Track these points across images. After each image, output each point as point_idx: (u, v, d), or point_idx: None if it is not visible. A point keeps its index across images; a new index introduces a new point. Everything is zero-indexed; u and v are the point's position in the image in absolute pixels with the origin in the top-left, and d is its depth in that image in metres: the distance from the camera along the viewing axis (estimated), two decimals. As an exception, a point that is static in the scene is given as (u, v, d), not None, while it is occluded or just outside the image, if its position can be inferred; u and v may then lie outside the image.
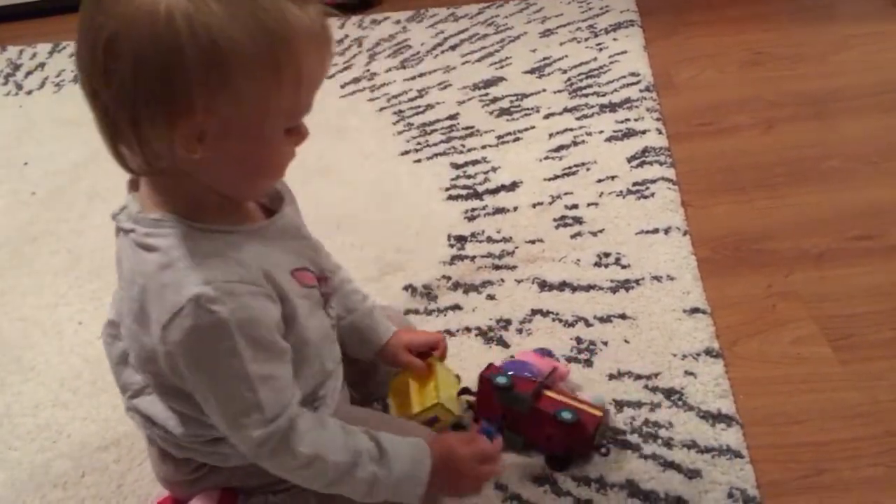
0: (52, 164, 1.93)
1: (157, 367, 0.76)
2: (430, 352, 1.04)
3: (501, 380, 0.99)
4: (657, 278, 1.27)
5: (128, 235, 0.74)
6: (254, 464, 0.82)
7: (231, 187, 0.73)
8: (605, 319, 1.21)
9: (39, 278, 1.51)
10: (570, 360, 1.14)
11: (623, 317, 1.21)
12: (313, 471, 0.79)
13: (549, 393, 0.99)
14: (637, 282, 1.27)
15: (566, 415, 0.94)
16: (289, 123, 0.71)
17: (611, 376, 1.10)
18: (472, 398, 1.04)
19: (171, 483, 0.93)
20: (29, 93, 2.38)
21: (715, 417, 1.01)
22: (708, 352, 1.11)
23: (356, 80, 2.21)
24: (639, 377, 1.09)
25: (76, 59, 0.66)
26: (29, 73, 2.52)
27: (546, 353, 1.12)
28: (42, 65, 2.57)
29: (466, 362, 1.14)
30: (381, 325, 1.02)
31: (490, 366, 1.03)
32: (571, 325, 1.21)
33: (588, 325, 1.20)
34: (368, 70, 2.27)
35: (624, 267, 1.31)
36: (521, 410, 0.97)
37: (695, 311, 1.19)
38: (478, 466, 0.86)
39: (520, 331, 1.21)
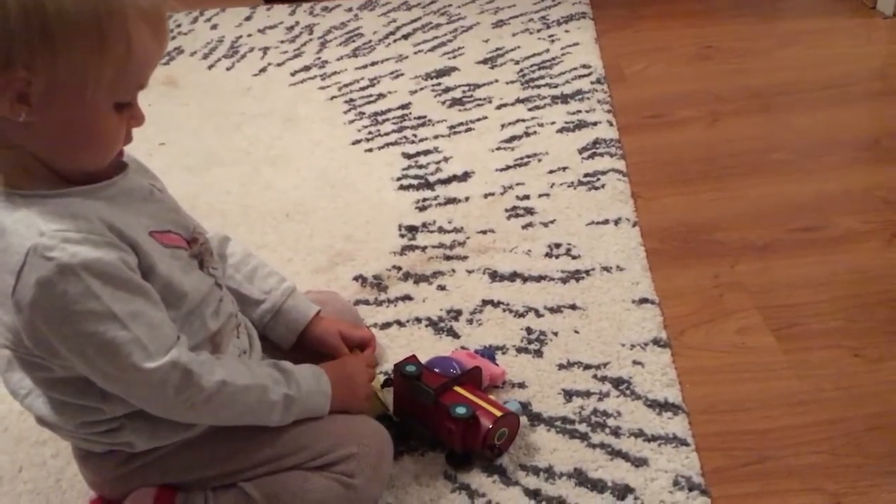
0: None
1: (26, 348, 0.75)
2: (359, 349, 1.04)
3: (410, 368, 0.98)
4: (607, 269, 1.28)
5: None
6: (189, 453, 0.80)
7: (58, 156, 0.73)
8: (555, 310, 1.21)
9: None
10: (520, 350, 1.14)
11: (573, 307, 1.21)
12: (224, 399, 0.80)
13: (459, 389, 0.98)
14: (587, 272, 1.28)
15: (460, 409, 0.93)
16: (118, 97, 0.72)
17: (560, 366, 1.11)
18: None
19: (100, 483, 0.90)
20: None
21: (662, 406, 1.02)
22: (656, 342, 1.12)
23: (307, 69, 2.18)
24: (588, 367, 1.10)
25: None
26: None
27: (488, 354, 1.11)
28: None
29: (417, 354, 1.13)
30: (302, 304, 1.02)
31: (410, 356, 1.02)
32: (522, 315, 1.21)
33: (538, 315, 1.21)
34: (319, 58, 2.24)
35: (574, 258, 1.32)
36: (425, 402, 0.96)
37: (643, 301, 1.20)
38: (366, 370, 0.98)
39: (470, 321, 1.21)
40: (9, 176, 0.73)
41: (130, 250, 0.74)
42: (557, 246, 1.35)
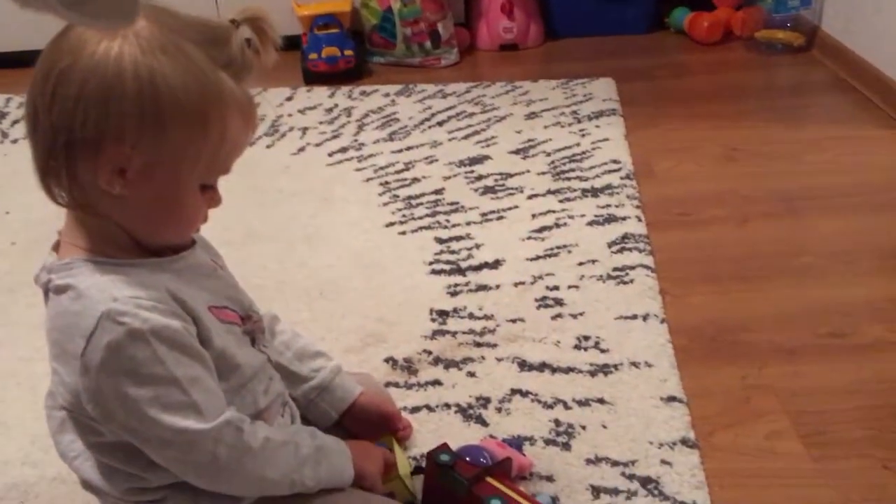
0: (33, 213, 1.92)
1: (83, 410, 0.78)
2: (394, 432, 1.07)
3: (444, 457, 0.99)
4: (635, 364, 1.29)
5: (48, 294, 0.79)
6: None
7: (142, 229, 0.78)
8: (583, 403, 1.22)
9: (15, 330, 1.49)
10: (548, 442, 1.15)
11: (601, 401, 1.22)
12: (269, 455, 0.81)
13: (491, 480, 0.98)
14: (615, 367, 1.29)
15: (495, 502, 0.93)
16: (205, 179, 0.78)
17: (588, 461, 1.11)
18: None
19: None
20: (14, 141, 2.38)
21: (690, 508, 1.02)
22: (684, 441, 1.13)
23: (344, 150, 2.25)
24: (616, 463, 1.10)
25: (30, 86, 0.73)
26: (15, 122, 2.52)
27: (515, 444, 1.12)
28: (30, 114, 2.58)
29: (444, 439, 1.14)
30: (348, 383, 1.05)
31: (443, 445, 1.02)
32: (550, 406, 1.22)
33: (567, 407, 1.22)
34: (356, 140, 2.31)
35: (603, 351, 1.34)
36: (458, 493, 0.96)
37: (671, 399, 1.21)
38: (384, 451, 1.00)
39: (499, 409, 1.22)
40: (93, 243, 0.78)
41: (192, 321, 0.78)
42: (586, 338, 1.37)
